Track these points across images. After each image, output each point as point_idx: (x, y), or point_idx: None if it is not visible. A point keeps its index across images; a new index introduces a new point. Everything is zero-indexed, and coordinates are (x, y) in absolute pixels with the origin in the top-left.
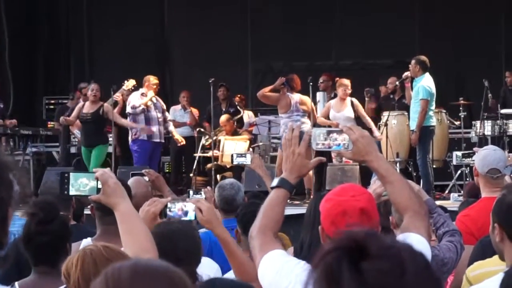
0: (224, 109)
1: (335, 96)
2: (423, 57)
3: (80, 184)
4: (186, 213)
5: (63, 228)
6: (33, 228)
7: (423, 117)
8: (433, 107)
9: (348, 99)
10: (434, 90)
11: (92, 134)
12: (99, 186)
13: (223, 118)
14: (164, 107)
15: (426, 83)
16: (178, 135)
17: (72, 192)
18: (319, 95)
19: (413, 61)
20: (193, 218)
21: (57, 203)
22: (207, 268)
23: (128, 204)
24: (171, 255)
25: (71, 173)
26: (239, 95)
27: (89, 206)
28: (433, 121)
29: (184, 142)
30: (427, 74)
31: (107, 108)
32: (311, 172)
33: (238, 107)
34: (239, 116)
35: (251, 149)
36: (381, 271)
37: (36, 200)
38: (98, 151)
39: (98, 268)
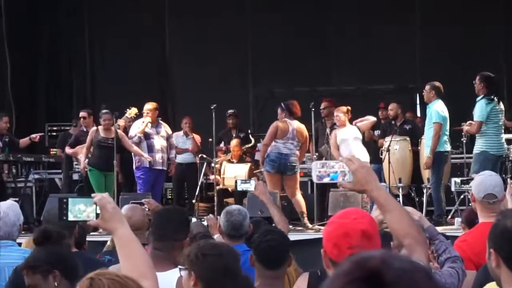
0: (234, 135)
1: None
2: (438, 83)
3: (79, 210)
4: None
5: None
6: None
7: (437, 141)
8: (447, 132)
9: (350, 125)
10: (447, 114)
11: (106, 159)
12: (98, 211)
13: (234, 142)
14: (169, 132)
15: (438, 107)
16: (174, 166)
17: (71, 217)
18: (322, 150)
19: (427, 87)
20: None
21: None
22: None
23: (127, 229)
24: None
25: (69, 199)
26: (185, 121)
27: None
28: (448, 147)
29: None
30: (440, 100)
31: (121, 135)
32: (300, 196)
33: (243, 133)
34: (250, 144)
35: (254, 177)
36: None
37: (40, 229)
38: (112, 178)
39: None
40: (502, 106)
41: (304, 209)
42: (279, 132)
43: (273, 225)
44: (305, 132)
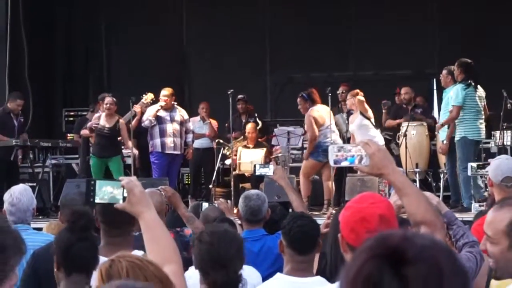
0: (244, 121)
1: None
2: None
3: (106, 193)
4: None
5: (97, 237)
6: (76, 234)
7: (453, 127)
8: None
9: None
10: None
11: (108, 146)
12: (125, 194)
13: (250, 126)
14: (185, 117)
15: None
16: (191, 150)
17: (98, 200)
18: (337, 118)
19: (444, 71)
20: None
21: (91, 212)
22: (253, 278)
23: (153, 213)
24: (220, 260)
25: (97, 181)
26: (202, 106)
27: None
28: None
29: (190, 157)
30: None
31: (122, 126)
32: (331, 183)
33: (258, 119)
34: (258, 127)
35: (273, 161)
36: (422, 276)
37: (73, 209)
38: (116, 162)
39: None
40: (481, 92)
41: (331, 197)
42: (318, 120)
43: (290, 210)
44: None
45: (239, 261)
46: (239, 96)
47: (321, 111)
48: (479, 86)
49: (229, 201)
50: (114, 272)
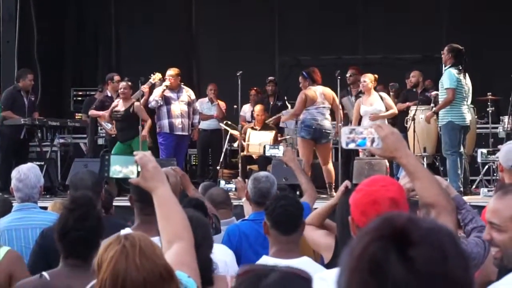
0: (272, 103)
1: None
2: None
3: (120, 167)
4: None
5: (98, 224)
6: (71, 223)
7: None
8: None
9: (376, 93)
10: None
11: (126, 130)
12: (139, 169)
13: (258, 107)
14: (192, 97)
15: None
16: (197, 131)
17: (112, 175)
18: (345, 101)
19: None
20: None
21: (94, 198)
22: (222, 255)
23: (167, 189)
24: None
25: (111, 156)
26: (211, 87)
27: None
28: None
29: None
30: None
31: (137, 108)
32: (331, 166)
33: (280, 101)
34: (275, 116)
35: (283, 142)
36: (427, 258)
37: (74, 195)
38: (137, 143)
39: (128, 271)
40: (468, 80)
41: (333, 180)
42: (308, 100)
43: (297, 193)
44: (332, 94)
45: (208, 245)
46: (270, 78)
47: (316, 92)
48: (466, 74)
49: (247, 180)
50: (104, 258)
